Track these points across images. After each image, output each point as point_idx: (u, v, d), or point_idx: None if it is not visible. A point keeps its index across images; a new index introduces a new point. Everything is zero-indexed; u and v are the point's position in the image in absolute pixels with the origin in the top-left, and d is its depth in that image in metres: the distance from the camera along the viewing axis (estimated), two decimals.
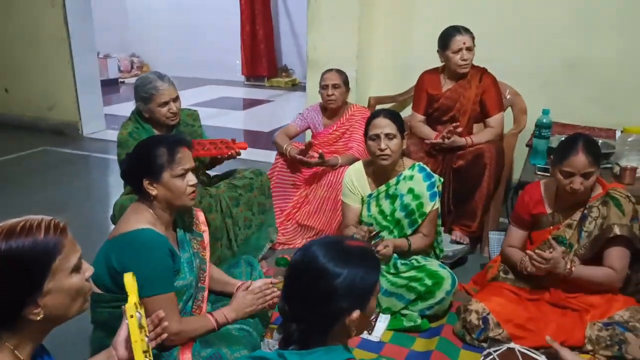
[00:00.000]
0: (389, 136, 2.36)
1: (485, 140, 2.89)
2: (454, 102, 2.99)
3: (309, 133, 3.62)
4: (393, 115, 2.44)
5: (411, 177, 2.45)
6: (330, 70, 3.35)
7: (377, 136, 2.36)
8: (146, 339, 1.47)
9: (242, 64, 9.54)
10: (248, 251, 2.81)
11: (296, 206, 3.23)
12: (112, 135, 5.89)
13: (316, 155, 3.10)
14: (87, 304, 1.23)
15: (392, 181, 2.47)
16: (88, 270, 1.22)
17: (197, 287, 1.99)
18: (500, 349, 1.78)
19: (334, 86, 3.25)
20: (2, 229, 1.09)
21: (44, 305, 1.10)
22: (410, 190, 2.43)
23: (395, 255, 2.41)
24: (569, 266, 2.14)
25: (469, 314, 2.21)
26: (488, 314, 2.19)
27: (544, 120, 2.80)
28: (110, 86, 9.20)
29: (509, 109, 3.31)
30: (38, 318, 1.10)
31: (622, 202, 2.15)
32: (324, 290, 1.14)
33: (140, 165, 1.84)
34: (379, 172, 2.50)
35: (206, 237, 2.12)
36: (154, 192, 1.83)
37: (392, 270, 2.38)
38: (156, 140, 1.89)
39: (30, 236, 1.10)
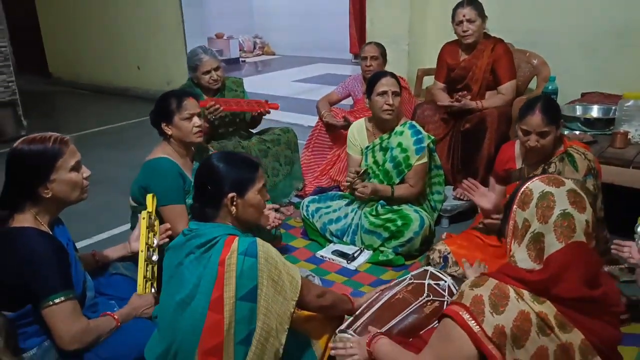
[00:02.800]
0: (395, 93, 2.71)
1: (494, 106, 3.09)
2: (467, 71, 3.21)
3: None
4: (396, 77, 2.79)
5: (401, 133, 2.78)
6: (369, 43, 3.72)
7: (385, 93, 2.70)
8: (154, 238, 2.11)
9: (350, 43, 10.02)
10: (276, 196, 3.35)
11: (330, 163, 3.68)
12: None
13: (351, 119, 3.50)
14: (85, 195, 1.85)
15: (385, 135, 2.83)
16: (86, 171, 1.83)
17: None
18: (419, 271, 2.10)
19: (372, 57, 3.62)
20: (26, 138, 1.75)
21: (51, 188, 1.74)
22: (399, 144, 2.77)
23: (381, 201, 2.77)
24: None
25: (432, 252, 2.52)
26: (448, 253, 2.49)
27: (550, 87, 2.93)
28: (231, 64, 10.30)
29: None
30: (48, 196, 1.73)
31: (576, 159, 2.30)
32: (209, 177, 1.65)
33: (159, 112, 2.46)
34: (378, 127, 2.86)
35: None
36: (169, 132, 2.44)
37: (373, 213, 2.76)
38: (169, 94, 2.49)
39: (42, 143, 1.74)
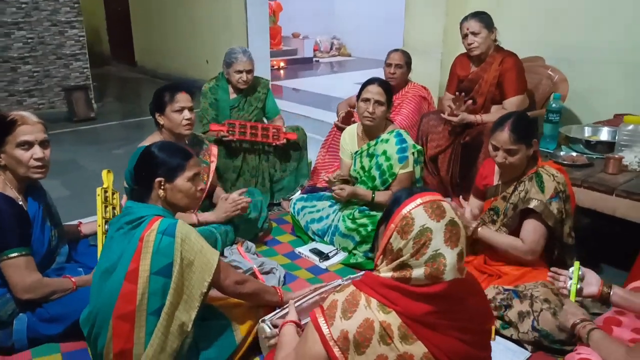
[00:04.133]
0: (378, 102, 2.75)
1: (494, 120, 3.00)
2: (474, 83, 3.15)
3: None
4: (386, 86, 2.81)
5: (387, 140, 2.81)
6: (396, 50, 3.74)
7: (368, 100, 2.75)
8: (114, 211, 2.35)
9: None
10: (281, 190, 3.49)
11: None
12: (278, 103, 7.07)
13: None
14: (35, 174, 2.06)
15: (372, 142, 2.86)
16: (37, 153, 2.05)
17: None
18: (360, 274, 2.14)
19: (397, 65, 3.64)
20: None
21: (3, 158, 2.00)
22: (384, 152, 2.80)
23: (361, 207, 2.82)
24: (474, 226, 2.32)
25: None
26: None
27: (553, 105, 2.83)
28: (304, 63, 10.57)
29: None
30: (2, 164, 2.01)
31: (544, 180, 2.22)
32: (144, 162, 1.83)
33: (154, 104, 2.68)
34: (366, 133, 2.91)
35: (212, 166, 2.88)
36: (161, 122, 2.66)
37: (350, 217, 2.81)
38: (166, 87, 2.70)
39: (4, 115, 2.01)
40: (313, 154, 3.81)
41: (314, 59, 10.95)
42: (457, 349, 1.33)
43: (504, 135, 2.23)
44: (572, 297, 1.78)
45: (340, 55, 11.91)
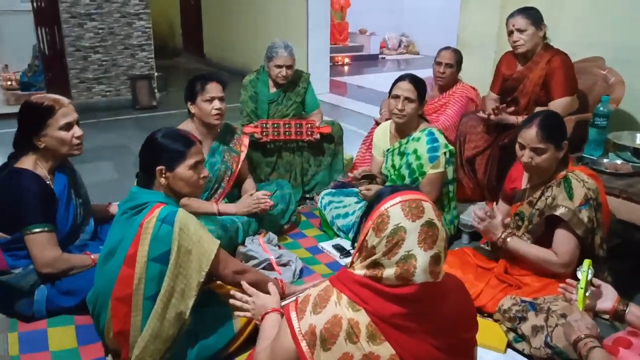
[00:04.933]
0: (408, 99, 2.68)
1: None
2: (519, 83, 2.98)
3: None
4: (417, 82, 2.72)
5: (418, 139, 2.73)
6: (447, 48, 3.63)
7: (398, 97, 2.69)
8: None
9: None
10: (316, 185, 3.48)
11: None
12: (333, 98, 7.08)
13: None
14: (76, 151, 2.20)
15: (404, 140, 2.79)
16: (77, 132, 2.18)
17: (217, 184, 2.81)
18: None
19: (447, 65, 3.54)
20: (33, 96, 2.15)
21: (44, 141, 2.12)
22: (415, 151, 2.72)
23: None
24: (503, 236, 2.19)
25: None
26: None
27: (601, 109, 2.63)
28: (369, 60, 10.49)
29: None
30: (41, 146, 2.12)
31: (573, 186, 2.08)
32: (147, 150, 1.89)
33: (186, 93, 2.74)
34: (398, 131, 2.84)
35: (242, 155, 2.91)
36: (192, 111, 2.73)
37: None
38: (198, 77, 2.74)
39: (39, 103, 2.12)
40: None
41: (380, 56, 10.85)
42: (428, 353, 1.27)
43: (531, 133, 2.10)
44: (580, 306, 1.65)
45: (408, 53, 11.72)
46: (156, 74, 6.42)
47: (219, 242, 1.87)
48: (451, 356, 1.30)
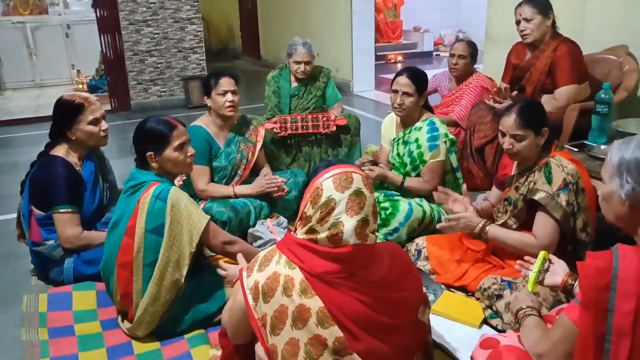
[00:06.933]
0: (406, 94, 2.79)
1: None
2: (525, 71, 3.01)
3: None
4: (416, 76, 2.81)
5: (419, 128, 2.83)
6: (461, 40, 3.72)
7: (397, 92, 2.81)
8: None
9: None
10: None
11: None
12: (378, 95, 7.19)
13: None
14: (103, 142, 2.52)
15: (407, 130, 2.90)
16: (104, 125, 2.49)
17: (233, 172, 3.05)
18: None
19: (460, 56, 3.63)
20: (66, 94, 2.47)
21: (75, 134, 2.44)
22: (416, 140, 2.83)
23: (387, 191, 2.87)
24: (480, 225, 2.26)
25: (411, 244, 2.59)
26: (423, 247, 2.52)
27: (602, 96, 2.62)
28: (423, 57, 10.46)
29: None
30: (73, 138, 2.44)
31: (553, 171, 2.12)
32: (136, 138, 2.14)
33: (203, 88, 3.01)
34: (402, 122, 2.95)
35: (258, 146, 3.14)
36: (209, 104, 2.98)
37: (376, 199, 2.87)
38: (212, 73, 3.00)
39: (71, 99, 2.44)
40: None
41: (434, 53, 10.77)
42: (356, 308, 1.41)
43: (510, 120, 2.17)
44: (530, 287, 1.72)
45: None
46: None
47: (208, 217, 2.09)
48: (380, 315, 1.44)
